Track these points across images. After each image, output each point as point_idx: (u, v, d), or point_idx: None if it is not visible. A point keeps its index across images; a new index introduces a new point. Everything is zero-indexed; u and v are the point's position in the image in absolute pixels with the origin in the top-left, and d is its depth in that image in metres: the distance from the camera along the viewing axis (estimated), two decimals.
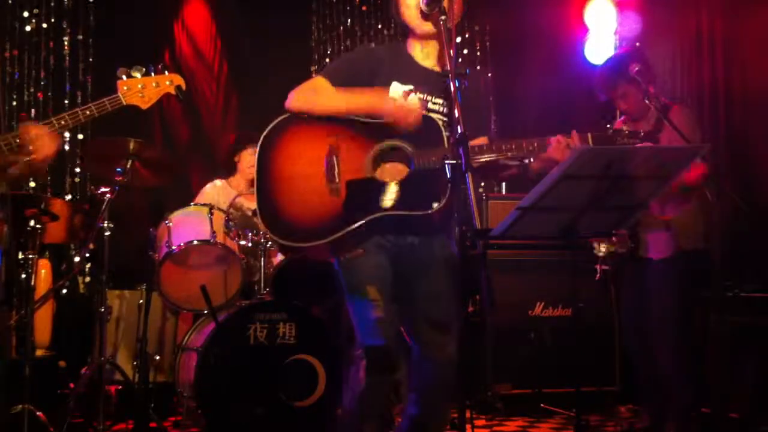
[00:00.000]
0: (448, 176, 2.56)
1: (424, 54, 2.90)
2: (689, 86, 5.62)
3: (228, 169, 4.99)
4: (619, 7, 6.00)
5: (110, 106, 2.99)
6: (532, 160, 2.76)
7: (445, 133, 2.72)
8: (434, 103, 2.85)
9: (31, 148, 2.78)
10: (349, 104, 2.77)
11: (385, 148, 2.76)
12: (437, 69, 2.90)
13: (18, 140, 2.78)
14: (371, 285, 2.75)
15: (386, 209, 2.70)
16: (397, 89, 2.81)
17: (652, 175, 2.54)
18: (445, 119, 2.83)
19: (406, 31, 2.92)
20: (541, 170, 3.08)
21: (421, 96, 2.82)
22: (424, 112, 2.72)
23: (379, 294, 2.74)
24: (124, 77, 3.01)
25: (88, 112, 2.92)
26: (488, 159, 2.74)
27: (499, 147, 2.75)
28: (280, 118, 2.83)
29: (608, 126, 2.75)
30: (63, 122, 2.88)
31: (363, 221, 2.70)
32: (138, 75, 3.03)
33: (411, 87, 2.83)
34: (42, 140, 2.79)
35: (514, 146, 2.73)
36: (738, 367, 4.07)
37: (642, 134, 2.75)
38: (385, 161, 2.78)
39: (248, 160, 4.82)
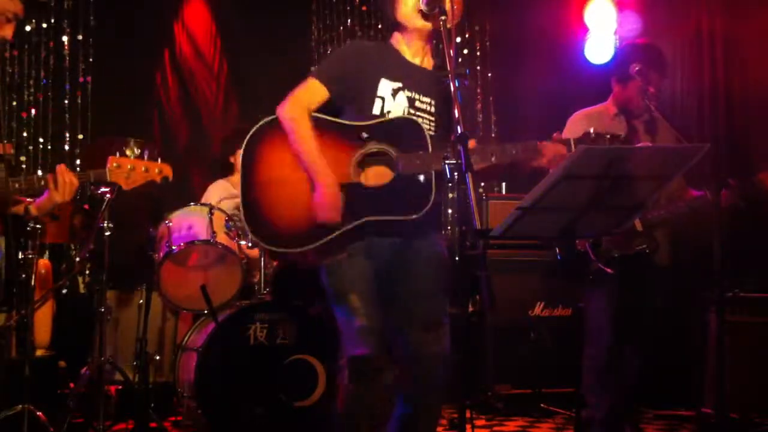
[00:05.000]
0: (446, 176, 2.56)
1: (412, 51, 2.88)
2: (689, 86, 5.62)
3: (225, 169, 4.98)
4: (619, 7, 6.00)
5: (93, 179, 3.03)
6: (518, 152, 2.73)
7: (428, 137, 2.71)
8: (422, 102, 2.84)
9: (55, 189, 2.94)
10: (306, 159, 2.72)
11: (369, 153, 2.74)
12: (425, 67, 2.89)
13: (43, 182, 2.95)
14: (354, 292, 2.73)
15: (367, 216, 2.69)
16: (385, 87, 2.81)
17: (653, 175, 2.54)
18: (431, 119, 2.83)
19: (395, 27, 2.90)
20: (536, 170, 3.07)
21: (410, 95, 2.81)
22: (337, 221, 2.68)
23: (362, 302, 2.72)
24: (117, 153, 3.03)
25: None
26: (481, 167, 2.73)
27: (486, 153, 2.73)
28: (263, 121, 2.81)
29: (590, 131, 2.71)
30: (18, 185, 2.97)
31: (348, 227, 2.69)
32: (131, 156, 3.05)
33: (400, 84, 2.82)
34: (64, 187, 2.94)
35: (499, 151, 2.71)
36: (738, 367, 4.06)
37: (622, 137, 2.74)
38: (369, 165, 2.75)
39: None
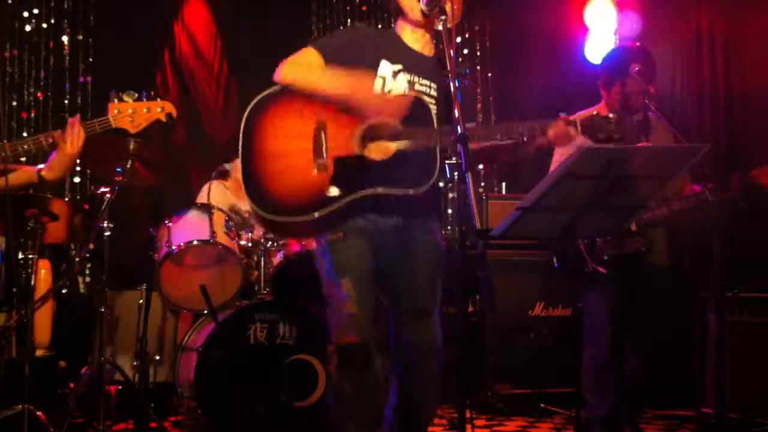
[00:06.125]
0: (446, 175, 2.57)
1: (414, 38, 2.91)
2: (689, 86, 5.63)
3: (221, 173, 4.98)
4: (619, 7, 6.01)
5: (99, 128, 3.02)
6: (525, 138, 2.73)
7: (433, 114, 2.72)
8: (421, 85, 2.86)
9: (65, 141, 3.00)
10: (332, 86, 2.71)
11: (373, 125, 2.73)
12: (425, 54, 2.91)
13: (50, 139, 3.00)
14: (347, 278, 2.73)
15: (370, 189, 2.67)
16: (386, 68, 2.82)
17: (652, 175, 2.54)
18: (431, 101, 2.83)
19: (398, 13, 2.92)
20: (539, 152, 3.05)
21: (409, 78, 2.83)
22: (412, 96, 2.69)
23: (355, 288, 2.72)
24: (115, 100, 3.01)
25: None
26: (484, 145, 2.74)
27: (492, 131, 2.73)
28: (265, 92, 2.81)
29: (595, 113, 2.68)
30: (26, 147, 2.97)
31: (349, 199, 2.68)
32: (130, 100, 3.03)
33: (400, 66, 2.84)
34: (74, 138, 2.99)
35: (504, 129, 2.70)
36: (738, 367, 4.06)
37: (626, 122, 2.72)
38: (372, 139, 2.74)
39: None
